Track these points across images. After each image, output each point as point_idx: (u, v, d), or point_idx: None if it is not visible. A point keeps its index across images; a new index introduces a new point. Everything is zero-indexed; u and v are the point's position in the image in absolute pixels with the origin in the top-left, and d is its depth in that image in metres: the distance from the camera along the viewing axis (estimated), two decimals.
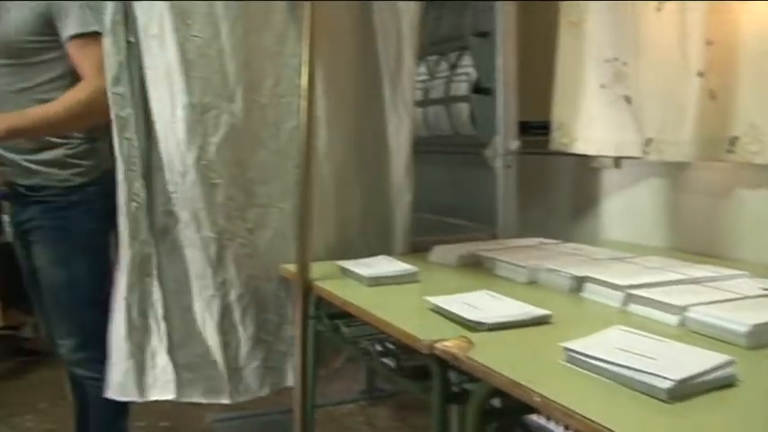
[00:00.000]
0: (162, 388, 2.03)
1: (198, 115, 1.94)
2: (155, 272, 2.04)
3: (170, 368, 2.04)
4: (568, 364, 1.15)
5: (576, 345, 1.16)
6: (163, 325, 2.04)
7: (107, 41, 1.93)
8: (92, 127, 2.06)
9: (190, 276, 2.03)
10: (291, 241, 2.09)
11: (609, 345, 1.16)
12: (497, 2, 2.30)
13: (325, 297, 1.78)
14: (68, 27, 1.94)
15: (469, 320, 1.36)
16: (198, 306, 2.04)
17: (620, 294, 1.54)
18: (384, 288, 1.74)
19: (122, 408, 2.24)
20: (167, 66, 1.95)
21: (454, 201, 2.53)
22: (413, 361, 1.61)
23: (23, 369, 3.84)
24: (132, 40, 1.94)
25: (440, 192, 2.39)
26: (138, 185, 1.98)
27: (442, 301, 1.47)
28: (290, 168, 2.07)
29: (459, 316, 1.39)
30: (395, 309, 1.54)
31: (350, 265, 1.87)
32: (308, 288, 1.81)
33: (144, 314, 2.03)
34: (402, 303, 1.61)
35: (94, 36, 1.93)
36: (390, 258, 1.94)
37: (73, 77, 2.01)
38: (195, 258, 2.00)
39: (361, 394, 3.29)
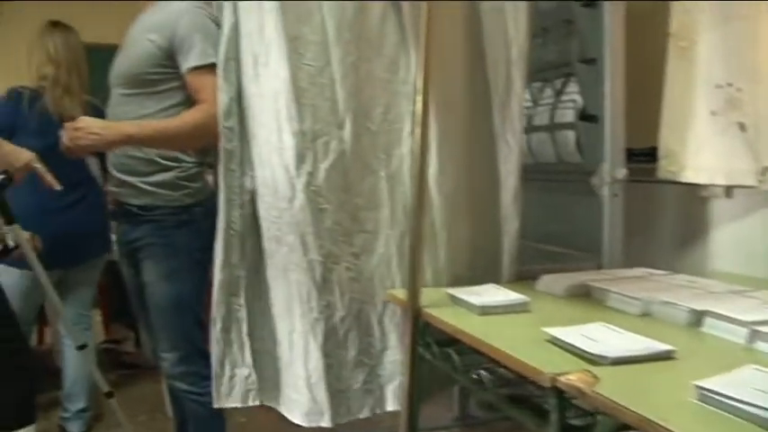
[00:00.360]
0: (252, 398, 2.12)
1: (308, 142, 1.97)
2: (242, 293, 2.12)
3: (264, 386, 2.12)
4: (701, 403, 1.12)
5: (710, 383, 1.13)
6: (248, 342, 2.13)
7: (219, 77, 2.04)
8: (202, 151, 2.18)
9: (294, 299, 2.06)
10: (396, 267, 2.11)
11: (745, 385, 1.12)
12: (605, 29, 2.27)
13: (434, 324, 1.77)
14: (189, 60, 2.06)
15: (591, 354, 1.34)
16: (301, 328, 2.07)
17: (744, 330, 1.48)
18: (495, 317, 1.73)
19: (220, 424, 2.29)
20: (276, 93, 2.00)
21: (556, 229, 2.50)
22: (512, 389, 1.60)
23: (123, 382, 3.97)
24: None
25: (542, 220, 2.36)
26: (236, 215, 2.08)
27: (560, 333, 1.45)
28: (398, 195, 2.09)
29: (579, 349, 1.37)
30: (509, 339, 1.53)
31: (459, 292, 1.86)
32: (417, 315, 1.81)
33: (227, 330, 2.12)
34: (516, 333, 1.59)
35: (212, 66, 2.05)
36: (499, 287, 1.92)
37: (190, 105, 2.09)
38: (301, 281, 2.03)
39: (455, 421, 3.26)
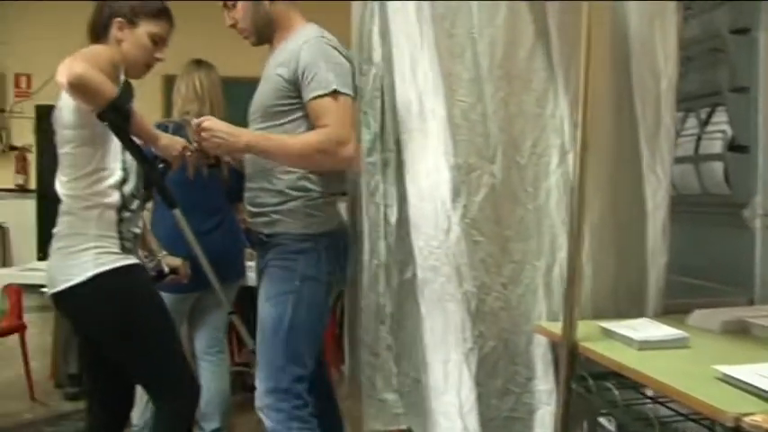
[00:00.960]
0: (400, 422, 2.18)
1: (463, 175, 2.04)
2: (388, 321, 2.21)
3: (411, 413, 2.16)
4: None
5: None
6: (395, 368, 2.22)
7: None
8: (330, 180, 2.24)
9: (449, 329, 2.10)
10: (542, 298, 2.14)
11: None
12: (758, 57, 2.23)
13: (591, 358, 1.79)
14: (311, 88, 2.11)
15: None
16: (456, 357, 2.11)
17: None
18: (654, 352, 1.72)
19: None
20: (428, 130, 2.08)
21: (701, 262, 2.45)
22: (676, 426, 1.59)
23: (250, 404, 4.12)
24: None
25: (685, 252, 2.32)
26: (381, 245, 2.18)
27: (732, 371, 1.45)
28: (544, 227, 2.12)
29: (757, 388, 1.36)
30: (676, 375, 1.53)
31: (613, 326, 1.87)
32: (573, 347, 1.83)
33: (376, 355, 2.21)
34: (681, 370, 1.58)
35: (334, 93, 2.11)
36: (652, 321, 1.92)
37: None
38: (456, 311, 2.07)
39: None
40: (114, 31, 2.11)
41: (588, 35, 1.76)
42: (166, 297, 2.96)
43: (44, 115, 7.39)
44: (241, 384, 4.27)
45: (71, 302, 2.05)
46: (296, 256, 2.17)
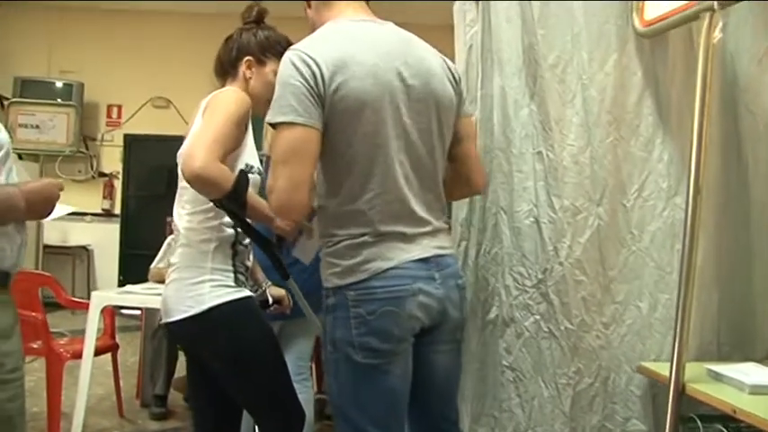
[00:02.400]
0: None
1: (570, 217, 2.11)
2: (505, 362, 2.22)
3: None
4: None
5: None
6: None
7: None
8: (348, 219, 1.75)
9: (543, 365, 2.16)
10: (645, 338, 2.18)
11: None
12: None
13: (701, 400, 1.82)
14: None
15: None
16: (549, 393, 2.16)
17: None
18: (766, 398, 1.74)
19: None
20: (537, 172, 2.16)
21: None
22: None
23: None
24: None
25: None
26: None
27: None
28: (648, 269, 2.16)
29: None
30: None
31: (720, 369, 1.90)
32: (681, 389, 1.86)
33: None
34: None
35: (274, 128, 1.71)
36: (759, 365, 1.94)
37: None
38: (553, 348, 2.13)
39: None
40: (243, 70, 2.19)
41: (704, 81, 1.82)
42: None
43: (132, 144, 7.82)
44: (319, 412, 4.34)
45: (186, 332, 2.13)
46: (325, 316, 1.78)
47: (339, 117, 1.64)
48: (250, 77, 2.17)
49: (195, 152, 1.80)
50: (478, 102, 2.27)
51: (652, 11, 2.06)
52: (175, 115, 7.36)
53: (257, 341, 2.09)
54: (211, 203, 2.02)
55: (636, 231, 2.16)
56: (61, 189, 1.81)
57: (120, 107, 7.85)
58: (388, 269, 1.69)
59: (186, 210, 2.11)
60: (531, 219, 2.15)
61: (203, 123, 1.92)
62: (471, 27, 2.32)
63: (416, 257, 1.71)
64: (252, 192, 1.97)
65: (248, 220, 2.00)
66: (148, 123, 7.63)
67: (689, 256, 1.85)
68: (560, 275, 2.11)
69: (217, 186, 1.81)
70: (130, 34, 7.63)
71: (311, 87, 1.61)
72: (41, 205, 1.75)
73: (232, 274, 2.08)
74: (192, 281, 2.07)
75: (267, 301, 2.61)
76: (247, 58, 2.16)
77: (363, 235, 1.70)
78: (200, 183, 1.80)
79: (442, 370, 1.84)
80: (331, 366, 1.75)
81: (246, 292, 2.12)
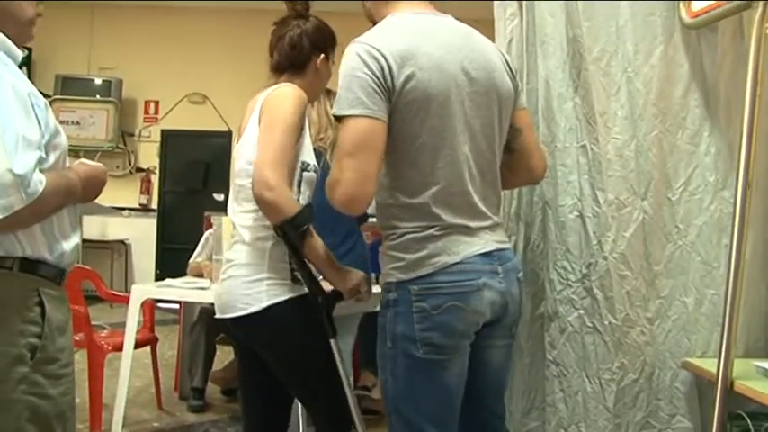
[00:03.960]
0: None
1: (615, 211, 2.09)
2: (549, 356, 2.19)
3: None
4: None
5: None
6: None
7: None
8: (415, 212, 1.73)
9: (587, 360, 2.14)
10: (691, 333, 2.15)
11: None
12: None
13: (750, 397, 1.79)
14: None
15: None
16: (592, 389, 2.14)
17: None
18: None
19: None
20: (581, 166, 2.14)
21: None
22: None
23: (366, 425, 4.20)
24: None
25: None
26: None
27: None
28: (694, 264, 2.13)
29: None
30: None
31: None
32: (729, 386, 1.83)
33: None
34: None
35: (338, 120, 1.70)
36: None
37: None
38: (597, 343, 2.11)
39: None
40: (318, 65, 2.17)
41: (755, 72, 1.79)
42: None
43: (168, 139, 7.92)
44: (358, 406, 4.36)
45: (243, 329, 2.16)
46: (385, 311, 1.75)
47: (406, 110, 1.64)
48: (320, 71, 2.17)
49: (266, 175, 1.88)
50: (523, 96, 2.26)
51: (700, 2, 2.03)
52: (211, 111, 7.45)
53: (312, 339, 2.10)
54: None
55: (682, 226, 2.13)
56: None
57: (157, 103, 7.96)
58: (453, 264, 1.68)
59: (243, 207, 2.12)
60: (576, 213, 2.13)
61: (266, 135, 1.96)
62: (511, 21, 2.31)
63: (480, 251, 1.71)
64: (317, 237, 2.03)
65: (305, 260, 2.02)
66: (185, 119, 7.73)
67: (737, 251, 1.82)
68: (604, 270, 2.09)
69: (281, 212, 1.88)
70: (167, 31, 7.74)
71: (378, 80, 1.61)
72: (93, 188, 1.80)
73: (289, 272, 2.09)
74: (250, 278, 2.08)
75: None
76: (323, 55, 2.16)
77: (428, 228, 1.69)
78: (267, 206, 1.88)
79: (496, 365, 1.85)
80: (387, 362, 1.73)
81: (303, 290, 2.13)
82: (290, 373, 2.15)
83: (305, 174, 2.07)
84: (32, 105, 1.60)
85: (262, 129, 1.98)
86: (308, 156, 2.09)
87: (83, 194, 1.75)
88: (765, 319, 2.15)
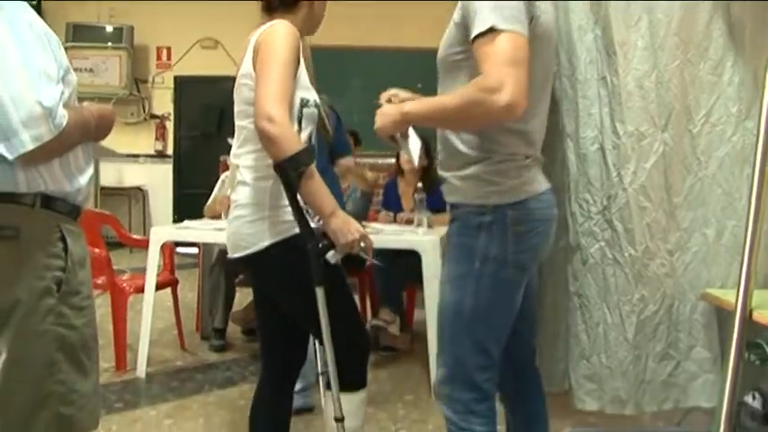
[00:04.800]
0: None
1: (635, 142, 2.08)
2: (572, 288, 2.21)
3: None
4: None
5: None
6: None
7: None
8: (521, 142, 1.83)
9: (608, 292, 2.15)
10: (711, 265, 2.16)
11: None
12: None
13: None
14: (473, 29, 1.73)
15: None
16: (612, 320, 2.16)
17: None
18: None
19: None
20: (605, 97, 2.12)
21: None
22: None
23: (386, 363, 4.28)
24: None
25: None
26: None
27: None
28: (714, 195, 2.13)
29: None
30: None
31: None
32: (749, 315, 1.84)
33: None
34: None
35: (491, 31, 1.68)
36: None
37: None
38: (618, 275, 2.12)
39: None
40: (310, 1, 2.16)
41: None
42: None
43: (182, 85, 7.89)
44: (375, 342, 4.43)
45: (251, 267, 2.19)
46: (475, 233, 1.84)
47: (532, 42, 1.68)
48: (312, 9, 2.16)
49: (268, 109, 1.88)
50: None
51: None
52: (224, 55, 7.39)
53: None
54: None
55: (703, 157, 2.12)
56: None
57: (169, 49, 7.91)
58: (541, 193, 1.84)
59: (245, 148, 2.14)
60: (597, 145, 2.12)
61: (263, 73, 1.95)
62: None
63: (549, 186, 1.89)
64: (319, 180, 1.98)
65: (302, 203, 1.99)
66: (197, 64, 7.69)
67: (759, 181, 1.81)
68: (624, 202, 2.09)
69: (282, 148, 1.88)
70: None
71: (526, 8, 1.70)
72: (105, 127, 1.82)
73: (290, 211, 2.11)
74: (252, 218, 2.11)
75: None
76: None
77: (527, 158, 1.82)
78: (269, 140, 1.89)
79: (532, 294, 1.97)
80: (470, 282, 1.83)
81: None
82: (298, 310, 2.19)
83: (305, 110, 2.06)
84: (48, 42, 1.62)
85: (258, 67, 1.97)
86: (307, 92, 2.09)
87: (95, 132, 1.77)
88: None
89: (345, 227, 1.99)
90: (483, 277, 1.82)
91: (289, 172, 1.93)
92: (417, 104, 1.89)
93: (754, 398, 3.37)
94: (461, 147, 1.88)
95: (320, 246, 2.01)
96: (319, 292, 2.04)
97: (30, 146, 1.52)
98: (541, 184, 1.86)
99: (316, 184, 1.98)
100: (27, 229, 1.62)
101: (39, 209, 1.63)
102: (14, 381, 1.60)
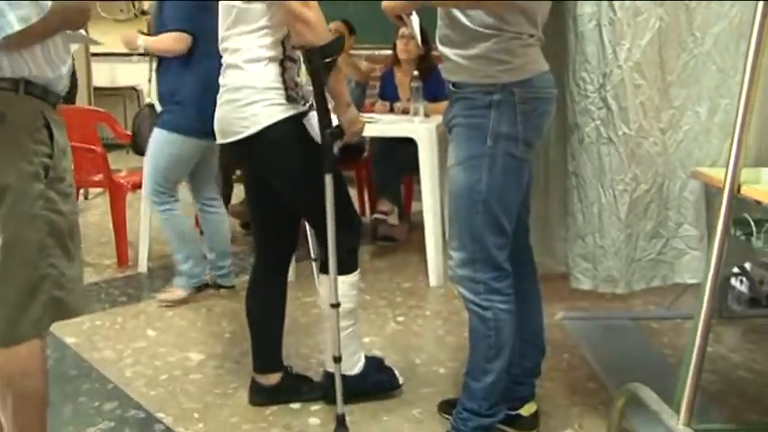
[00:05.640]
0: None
1: (630, 18, 2.03)
2: (570, 168, 2.22)
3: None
4: None
5: None
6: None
7: None
8: (528, 20, 1.86)
9: (603, 171, 2.15)
10: (702, 144, 2.16)
11: None
12: None
13: (755, 198, 1.82)
14: None
15: None
16: (606, 200, 2.17)
17: None
18: None
19: (499, 342, 2.01)
20: None
21: None
22: None
23: (384, 252, 4.35)
24: None
25: None
26: None
27: None
28: (708, 73, 2.11)
29: None
30: None
31: None
32: (737, 190, 1.85)
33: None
34: None
35: None
36: None
37: None
38: (612, 154, 2.12)
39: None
40: None
41: None
42: (191, 141, 3.20)
43: None
44: (374, 233, 4.50)
45: (245, 151, 2.19)
46: (485, 111, 1.87)
47: None
48: None
49: None
50: None
51: None
52: None
53: (311, 154, 2.14)
54: (262, 23, 2.03)
55: (698, 33, 2.09)
56: None
57: None
58: (544, 72, 1.92)
59: (235, 29, 2.12)
60: (594, 22, 2.07)
61: None
62: None
63: (548, 66, 1.95)
64: (342, 72, 2.15)
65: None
66: None
67: (755, 55, 1.78)
68: (619, 79, 2.07)
69: (318, 34, 1.99)
70: None
71: None
72: (82, 15, 1.77)
73: (283, 92, 2.11)
74: (245, 101, 2.10)
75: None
76: None
77: (531, 36, 1.88)
78: (308, 24, 1.96)
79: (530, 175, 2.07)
80: (485, 160, 1.89)
81: (300, 108, 2.15)
82: (293, 191, 2.22)
83: None
84: None
85: None
86: None
87: (74, 18, 1.74)
88: None
89: (356, 118, 2.23)
90: (496, 156, 1.88)
91: (318, 61, 2.00)
92: None
93: (741, 282, 3.45)
94: (469, 23, 1.87)
95: (332, 131, 2.09)
96: (328, 179, 2.12)
97: (17, 26, 1.51)
98: (543, 63, 1.93)
99: (340, 75, 2.12)
100: (12, 114, 1.62)
101: (22, 95, 1.63)
102: (11, 264, 1.64)
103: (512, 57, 1.85)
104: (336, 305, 2.21)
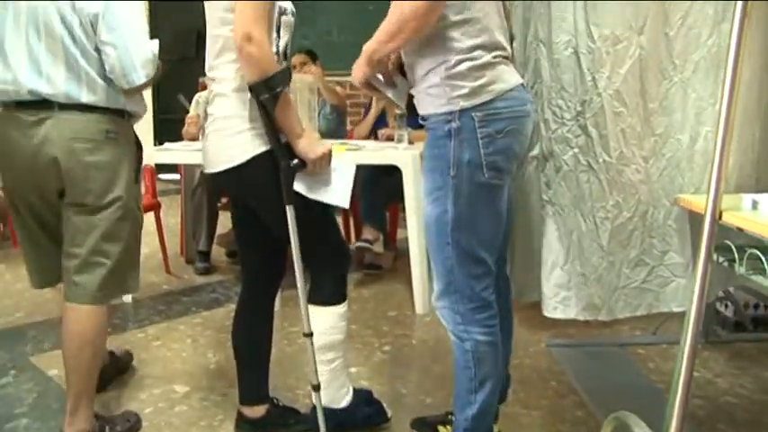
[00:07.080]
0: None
1: (609, 46, 2.05)
2: (545, 196, 2.21)
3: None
4: None
5: None
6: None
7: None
8: (486, 43, 1.79)
9: (582, 199, 2.17)
10: (685, 171, 2.17)
11: None
12: None
13: (738, 225, 1.82)
14: None
15: None
16: (587, 227, 2.18)
17: None
18: None
19: (485, 372, 1.96)
20: (575, 1, 2.08)
21: None
22: None
23: (370, 281, 4.32)
24: None
25: None
26: None
27: None
28: (690, 100, 2.13)
29: None
30: None
31: (759, 197, 1.89)
32: (718, 217, 1.85)
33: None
34: None
35: None
36: None
37: None
38: (592, 181, 2.13)
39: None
40: None
41: None
42: None
43: (157, 8, 7.63)
44: (359, 261, 4.46)
45: (233, 181, 2.17)
46: (445, 141, 1.81)
47: None
48: None
49: (249, 28, 1.89)
50: None
51: None
52: None
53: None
54: None
55: (678, 61, 2.11)
56: None
57: None
58: (508, 90, 1.79)
59: (222, 58, 2.10)
60: (570, 50, 2.10)
61: None
62: None
63: (520, 81, 1.83)
64: (291, 102, 2.03)
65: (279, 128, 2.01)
66: None
67: (731, 84, 1.80)
68: (599, 107, 2.09)
69: (260, 69, 1.92)
70: None
71: None
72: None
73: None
74: (232, 131, 2.08)
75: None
76: None
77: (488, 52, 1.77)
78: (249, 60, 1.91)
79: (509, 202, 1.94)
80: (449, 191, 1.81)
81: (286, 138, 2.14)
82: (280, 221, 2.19)
83: (283, 18, 2.04)
84: None
85: None
86: (284, 0, 2.06)
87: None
88: (758, 157, 2.15)
89: (311, 145, 2.04)
90: (460, 185, 1.80)
91: (264, 94, 1.94)
92: (372, 39, 1.86)
93: (726, 306, 3.45)
94: (421, 60, 1.85)
95: (292, 164, 2.03)
96: (290, 210, 2.07)
97: (143, 80, 2.09)
98: (507, 82, 1.80)
99: (288, 107, 2.01)
100: (122, 134, 2.18)
101: (126, 120, 2.21)
102: (132, 241, 2.21)
103: (465, 80, 1.77)
104: (309, 334, 2.18)
